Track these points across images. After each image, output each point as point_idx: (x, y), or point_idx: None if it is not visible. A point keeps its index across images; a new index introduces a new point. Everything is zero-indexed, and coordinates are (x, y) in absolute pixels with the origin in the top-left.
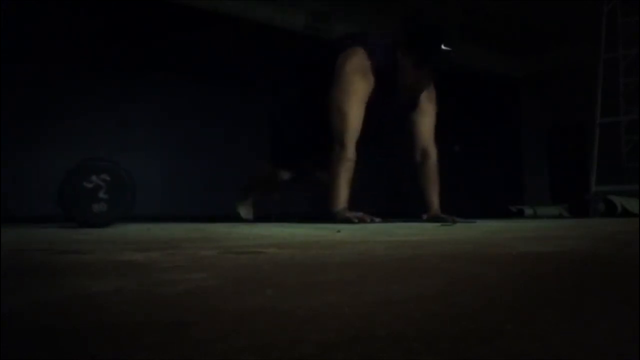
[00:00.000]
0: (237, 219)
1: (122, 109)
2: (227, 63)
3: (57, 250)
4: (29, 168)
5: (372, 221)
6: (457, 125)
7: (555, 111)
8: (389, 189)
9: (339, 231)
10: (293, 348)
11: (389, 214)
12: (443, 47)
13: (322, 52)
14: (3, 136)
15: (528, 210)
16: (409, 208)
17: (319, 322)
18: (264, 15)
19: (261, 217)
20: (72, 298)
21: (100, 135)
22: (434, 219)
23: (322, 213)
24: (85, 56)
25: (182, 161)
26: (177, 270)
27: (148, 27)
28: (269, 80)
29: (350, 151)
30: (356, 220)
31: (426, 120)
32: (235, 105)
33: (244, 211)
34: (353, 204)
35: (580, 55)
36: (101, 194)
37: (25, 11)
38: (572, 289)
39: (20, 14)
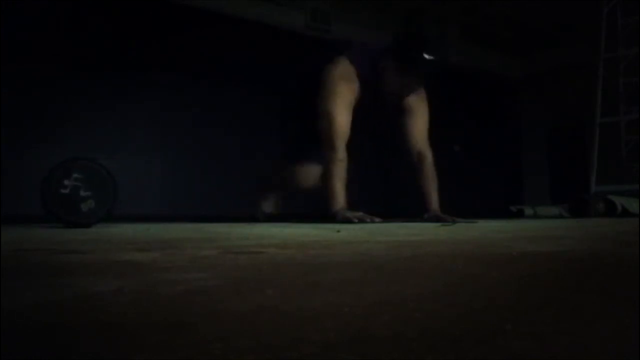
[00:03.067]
0: (254, 219)
1: (122, 109)
2: (227, 63)
3: (57, 250)
4: (28, 168)
5: (372, 221)
6: (457, 125)
7: (555, 111)
8: (389, 189)
9: (338, 231)
10: (293, 348)
11: (389, 214)
12: (426, 56)
13: (311, 62)
14: (3, 136)
15: (528, 210)
16: (409, 208)
17: (319, 322)
18: (264, 15)
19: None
20: (72, 298)
21: (100, 136)
22: (434, 219)
23: (322, 213)
24: (84, 56)
25: (182, 161)
26: (177, 270)
27: (148, 26)
28: (268, 80)
29: (341, 152)
30: (356, 220)
31: (419, 122)
32: (236, 105)
33: (261, 211)
34: (353, 204)
35: (580, 55)
36: (81, 193)
37: (24, 11)
38: (572, 289)
39: (19, 14)
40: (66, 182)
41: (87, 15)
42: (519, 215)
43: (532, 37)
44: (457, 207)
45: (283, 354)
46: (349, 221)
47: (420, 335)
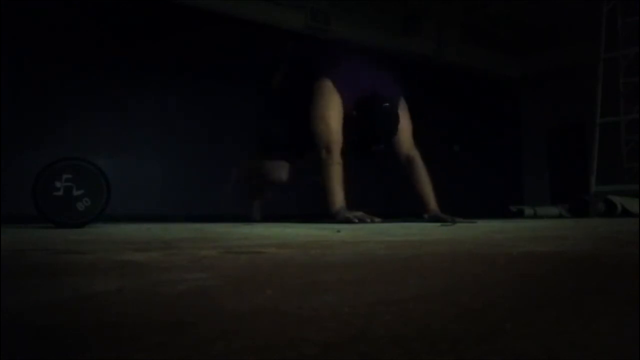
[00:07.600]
0: (247, 219)
1: (122, 109)
2: (228, 63)
3: (58, 250)
4: (29, 168)
5: (372, 221)
6: (457, 125)
7: (555, 111)
8: (389, 189)
9: (339, 231)
10: (293, 348)
11: (389, 214)
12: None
13: (308, 65)
14: (3, 136)
15: (528, 210)
16: (409, 208)
17: (319, 322)
18: (264, 15)
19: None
20: (73, 298)
21: (100, 135)
22: (434, 219)
23: (322, 213)
24: (85, 56)
25: (182, 161)
26: (177, 270)
27: (148, 27)
28: (267, 80)
29: (336, 155)
30: (356, 220)
31: (403, 127)
32: (236, 105)
33: (256, 212)
34: (353, 204)
35: (580, 55)
36: (74, 192)
37: (26, 11)
38: (571, 289)
39: (20, 14)
40: (57, 183)
41: (88, 15)
42: (519, 215)
43: (532, 37)
44: (457, 207)
45: (283, 354)
46: (349, 221)
47: (420, 335)
